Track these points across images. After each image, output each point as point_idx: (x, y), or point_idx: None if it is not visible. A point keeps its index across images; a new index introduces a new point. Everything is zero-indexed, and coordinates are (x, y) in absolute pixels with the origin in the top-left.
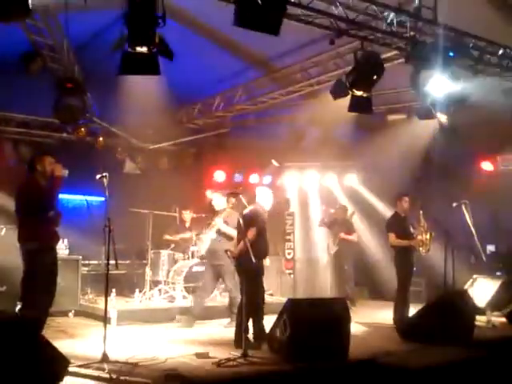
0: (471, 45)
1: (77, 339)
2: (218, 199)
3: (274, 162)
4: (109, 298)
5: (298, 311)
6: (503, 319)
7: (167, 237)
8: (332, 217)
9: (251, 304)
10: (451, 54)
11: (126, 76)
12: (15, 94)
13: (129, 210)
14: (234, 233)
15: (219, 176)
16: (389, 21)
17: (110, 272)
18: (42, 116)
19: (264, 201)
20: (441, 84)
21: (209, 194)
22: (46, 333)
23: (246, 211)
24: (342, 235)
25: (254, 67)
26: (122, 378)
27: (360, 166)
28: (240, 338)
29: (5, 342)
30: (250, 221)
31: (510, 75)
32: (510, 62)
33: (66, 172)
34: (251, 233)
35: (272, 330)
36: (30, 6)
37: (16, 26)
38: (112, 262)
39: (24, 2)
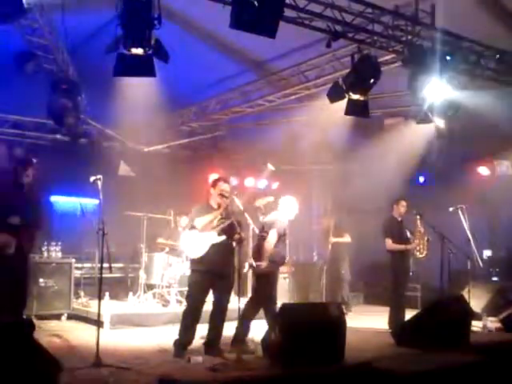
0: (468, 49)
1: (70, 343)
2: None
3: (270, 166)
4: (102, 302)
5: (292, 316)
6: (499, 324)
7: (161, 240)
8: (323, 222)
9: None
10: (448, 58)
11: (122, 78)
12: (10, 94)
13: (123, 212)
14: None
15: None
16: (386, 24)
17: (103, 275)
18: (37, 117)
19: (286, 210)
20: (438, 88)
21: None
22: (39, 336)
23: (267, 218)
24: (334, 239)
25: (251, 70)
26: (115, 382)
27: (357, 170)
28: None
29: None
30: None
31: (507, 80)
32: (506, 66)
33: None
34: (272, 238)
35: (266, 334)
36: (25, 6)
37: (11, 26)
38: (106, 265)
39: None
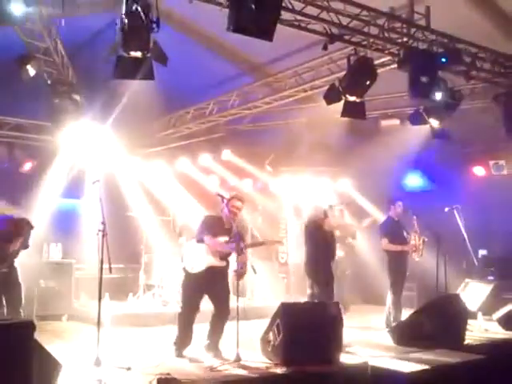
0: (464, 51)
1: (70, 343)
2: None
3: (268, 167)
4: (102, 302)
5: (290, 315)
6: (495, 323)
7: None
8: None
9: None
10: (444, 59)
11: (120, 80)
12: (10, 97)
13: (123, 213)
14: None
15: (213, 181)
16: (381, 26)
17: (103, 276)
18: (37, 119)
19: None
20: (434, 89)
21: None
22: (40, 336)
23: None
24: (350, 240)
25: (248, 72)
26: (114, 382)
27: (353, 171)
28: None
29: None
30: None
31: (502, 81)
32: (501, 67)
33: None
34: None
35: (265, 333)
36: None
37: (11, 29)
38: (106, 265)
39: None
